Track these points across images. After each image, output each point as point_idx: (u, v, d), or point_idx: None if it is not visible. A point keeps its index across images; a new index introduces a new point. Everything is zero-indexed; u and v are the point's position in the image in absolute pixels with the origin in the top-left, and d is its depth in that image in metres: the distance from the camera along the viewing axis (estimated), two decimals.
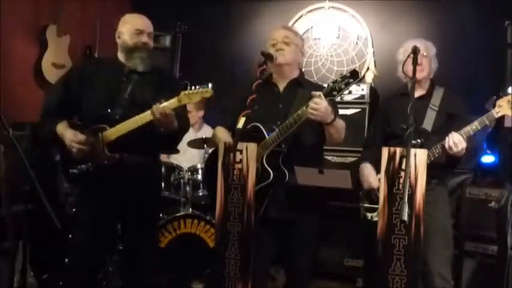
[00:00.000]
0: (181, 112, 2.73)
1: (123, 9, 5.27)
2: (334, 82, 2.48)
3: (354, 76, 2.44)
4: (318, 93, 2.48)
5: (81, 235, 2.83)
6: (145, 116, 2.63)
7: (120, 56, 2.88)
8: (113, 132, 2.69)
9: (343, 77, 2.46)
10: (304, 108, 2.51)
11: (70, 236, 3.26)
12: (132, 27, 2.82)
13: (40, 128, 2.92)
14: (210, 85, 2.62)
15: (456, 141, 2.68)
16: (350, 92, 2.57)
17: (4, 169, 3.26)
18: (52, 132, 2.77)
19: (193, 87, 2.61)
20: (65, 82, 2.89)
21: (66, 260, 3.31)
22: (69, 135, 2.71)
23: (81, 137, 2.69)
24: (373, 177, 2.97)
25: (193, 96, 2.61)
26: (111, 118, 2.71)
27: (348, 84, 2.44)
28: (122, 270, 3.11)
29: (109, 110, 2.73)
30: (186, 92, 2.61)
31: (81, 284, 2.79)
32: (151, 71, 2.85)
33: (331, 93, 2.47)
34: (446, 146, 2.71)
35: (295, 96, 2.71)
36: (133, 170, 2.73)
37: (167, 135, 2.72)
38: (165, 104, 2.60)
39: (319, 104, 2.46)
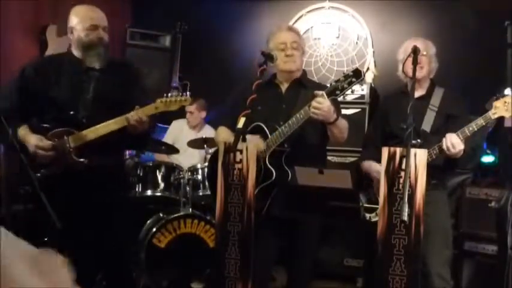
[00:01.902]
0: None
1: (123, 10, 5.28)
2: (337, 81, 2.48)
3: (357, 75, 2.44)
4: (320, 92, 2.48)
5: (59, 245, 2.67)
6: (120, 121, 2.58)
7: (75, 53, 2.76)
8: (83, 137, 2.60)
9: (346, 76, 2.46)
10: (306, 107, 2.52)
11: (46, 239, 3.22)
12: (86, 23, 2.70)
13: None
14: (188, 94, 2.60)
15: (454, 142, 2.68)
16: (352, 92, 2.55)
17: (4, 169, 3.26)
18: (13, 137, 2.57)
19: (169, 94, 2.59)
20: (20, 83, 2.74)
21: None
22: (33, 140, 2.60)
23: (47, 142, 2.59)
24: (375, 165, 2.93)
25: (171, 104, 2.58)
26: (78, 121, 2.63)
27: (350, 84, 2.44)
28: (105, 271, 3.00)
29: (73, 113, 2.63)
30: (163, 99, 2.57)
31: None
32: (109, 66, 2.75)
33: (334, 92, 2.47)
34: (444, 146, 2.71)
35: (298, 96, 2.72)
36: (100, 171, 2.63)
37: (137, 136, 2.66)
38: (140, 110, 2.55)
39: (321, 104, 2.46)
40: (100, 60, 2.72)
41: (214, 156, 2.94)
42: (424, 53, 2.93)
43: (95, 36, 2.70)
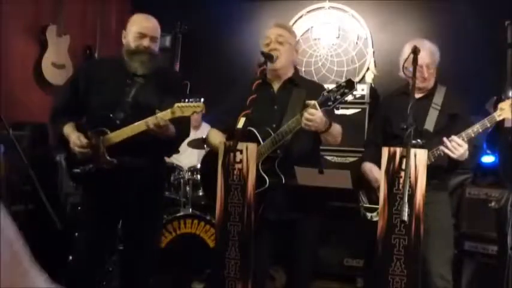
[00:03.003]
0: (180, 118, 2.69)
1: (123, 9, 5.28)
2: (329, 92, 2.45)
3: (350, 86, 2.41)
4: (312, 102, 2.45)
5: (84, 235, 2.88)
6: (140, 125, 2.65)
7: (125, 57, 2.88)
8: (112, 137, 2.71)
9: (339, 87, 2.43)
10: (298, 116, 2.50)
11: (76, 234, 3.29)
12: (136, 30, 2.81)
13: (49, 129, 2.97)
14: (202, 100, 2.61)
15: (456, 145, 2.67)
16: (345, 102, 2.52)
17: (4, 169, 3.26)
18: (59, 133, 2.81)
19: (187, 100, 2.61)
20: (73, 82, 2.92)
21: (70, 257, 3.35)
22: (73, 137, 2.73)
23: (83, 140, 2.71)
24: (376, 171, 2.95)
25: (185, 110, 2.61)
26: (112, 122, 2.73)
27: (343, 95, 2.42)
28: (122, 271, 3.12)
29: (110, 114, 2.74)
30: (180, 104, 2.60)
31: (84, 282, 2.80)
32: (155, 73, 2.85)
33: (326, 103, 2.44)
34: (447, 149, 2.70)
35: (290, 96, 2.70)
36: (134, 173, 2.75)
37: (165, 140, 2.73)
38: (159, 115, 2.61)
39: (314, 115, 2.43)
40: (143, 68, 2.80)
41: (207, 157, 2.94)
42: (431, 70, 2.93)
43: (141, 43, 2.79)
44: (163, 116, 2.61)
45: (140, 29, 2.81)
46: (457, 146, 2.67)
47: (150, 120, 2.61)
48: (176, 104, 2.61)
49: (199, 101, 2.59)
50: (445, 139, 2.70)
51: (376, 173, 2.95)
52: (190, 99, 2.60)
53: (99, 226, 2.80)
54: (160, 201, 3.13)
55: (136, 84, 2.81)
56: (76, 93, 2.86)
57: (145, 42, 2.80)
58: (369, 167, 3.03)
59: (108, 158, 2.70)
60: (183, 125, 2.83)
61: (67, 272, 3.12)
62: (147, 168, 2.80)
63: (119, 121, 2.72)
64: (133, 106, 2.76)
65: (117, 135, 2.70)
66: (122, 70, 2.83)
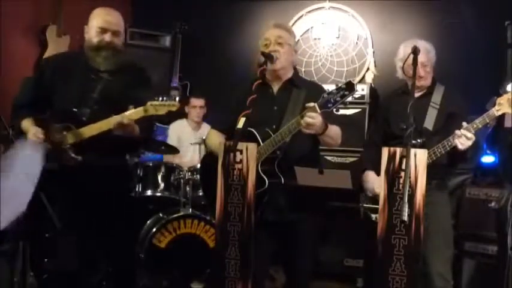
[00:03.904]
0: (148, 117, 2.64)
1: (123, 10, 5.28)
2: (329, 94, 2.44)
3: (350, 88, 2.40)
4: (312, 104, 2.44)
5: (58, 237, 2.83)
6: (108, 122, 2.59)
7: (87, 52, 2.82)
8: (77, 135, 2.63)
9: (338, 89, 2.42)
10: (299, 117, 2.49)
11: (46, 235, 3.22)
12: (97, 25, 2.74)
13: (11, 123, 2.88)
14: (177, 98, 2.60)
15: (466, 138, 2.65)
16: (346, 104, 2.51)
17: None
18: (18, 128, 2.74)
19: (160, 98, 2.58)
20: (38, 76, 2.85)
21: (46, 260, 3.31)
22: (30, 133, 2.66)
23: (41, 136, 2.63)
24: (374, 182, 2.96)
25: (160, 108, 2.57)
26: (78, 118, 2.66)
27: (343, 97, 2.41)
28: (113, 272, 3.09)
29: (76, 110, 2.67)
30: (153, 103, 2.56)
31: (57, 281, 2.79)
32: (121, 69, 2.78)
33: (326, 105, 2.43)
34: (459, 145, 2.68)
35: (290, 97, 2.69)
36: (98, 170, 2.67)
37: (130, 138, 2.69)
38: (130, 112, 2.56)
39: (314, 118, 2.42)
40: (106, 63, 2.75)
41: (206, 157, 2.94)
42: (426, 65, 2.94)
43: (102, 39, 2.73)
44: (136, 113, 2.57)
45: (101, 23, 2.74)
46: (464, 141, 2.65)
47: (125, 117, 2.55)
48: (149, 102, 2.56)
49: (174, 99, 2.58)
50: (458, 131, 2.68)
51: (373, 183, 2.96)
52: (165, 98, 2.57)
53: (68, 225, 2.72)
54: (126, 199, 3.06)
55: (102, 80, 2.74)
56: (40, 87, 2.78)
57: (107, 37, 2.73)
58: (369, 176, 3.03)
59: (72, 155, 2.61)
60: (146, 125, 2.75)
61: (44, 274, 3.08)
62: (111, 167, 2.74)
63: (84, 117, 2.65)
64: (99, 102, 2.70)
65: (82, 133, 2.62)
66: (87, 65, 2.76)
